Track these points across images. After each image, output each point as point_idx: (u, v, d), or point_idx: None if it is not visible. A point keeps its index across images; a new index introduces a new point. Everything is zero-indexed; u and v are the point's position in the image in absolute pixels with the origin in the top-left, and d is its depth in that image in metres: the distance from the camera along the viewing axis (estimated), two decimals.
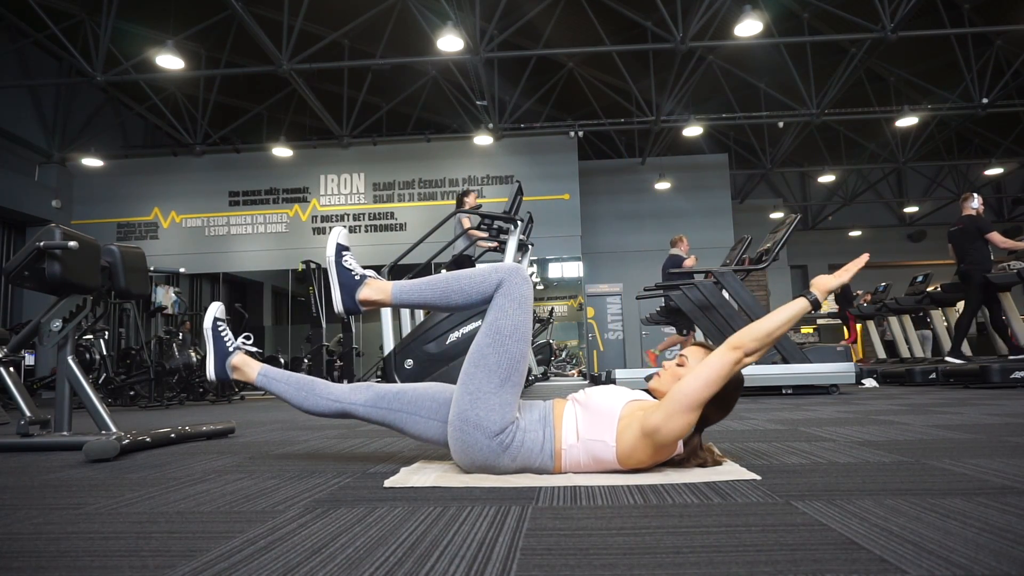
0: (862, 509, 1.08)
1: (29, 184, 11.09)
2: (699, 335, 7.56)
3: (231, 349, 1.82)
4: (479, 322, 1.55)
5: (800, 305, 1.44)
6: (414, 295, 1.61)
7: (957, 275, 6.11)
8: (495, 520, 1.07)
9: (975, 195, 6.02)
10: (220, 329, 1.83)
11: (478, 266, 1.63)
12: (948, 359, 5.95)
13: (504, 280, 1.51)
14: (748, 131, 13.65)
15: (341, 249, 1.68)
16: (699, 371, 1.36)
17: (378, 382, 1.75)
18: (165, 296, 6.52)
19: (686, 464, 1.50)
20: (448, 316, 4.70)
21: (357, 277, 1.66)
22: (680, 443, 1.47)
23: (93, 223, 11.48)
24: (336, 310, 1.66)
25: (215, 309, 1.86)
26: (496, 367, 1.45)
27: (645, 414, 1.39)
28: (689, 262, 6.89)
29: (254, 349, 1.90)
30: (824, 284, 1.48)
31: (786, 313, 1.41)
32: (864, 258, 1.56)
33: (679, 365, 1.53)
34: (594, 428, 1.44)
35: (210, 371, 1.80)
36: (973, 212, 5.93)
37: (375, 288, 1.65)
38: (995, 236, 5.75)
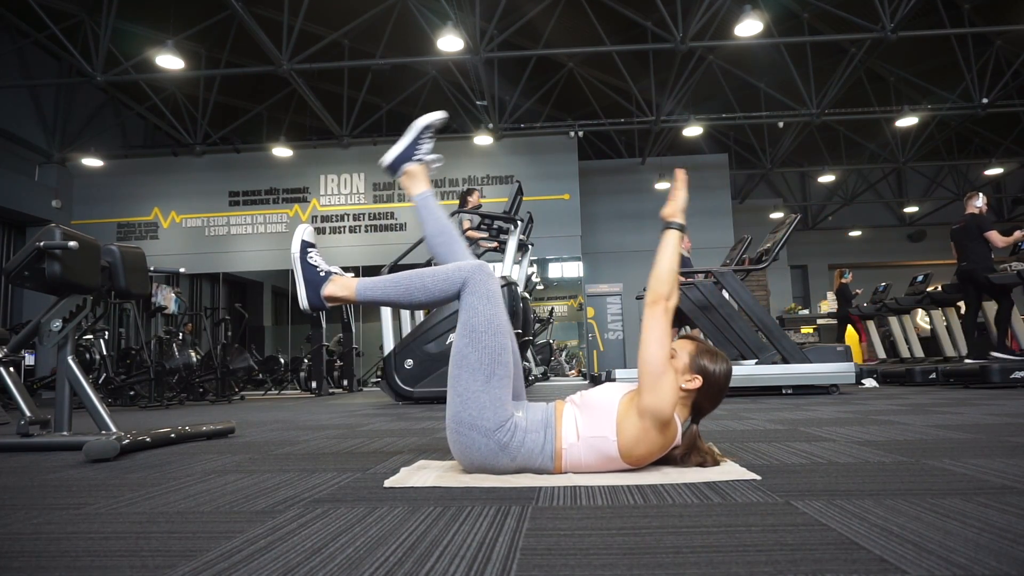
0: (862, 509, 1.08)
1: (29, 184, 11.09)
2: (698, 333, 7.56)
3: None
4: None
5: (674, 236, 1.55)
6: (378, 292, 1.61)
7: (957, 274, 6.11)
8: (495, 520, 1.07)
9: (980, 194, 6.02)
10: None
11: (444, 264, 1.62)
12: (994, 354, 5.77)
13: (468, 279, 1.52)
14: (748, 131, 13.65)
15: (306, 246, 1.68)
16: (644, 337, 1.45)
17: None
18: (166, 298, 6.53)
19: (686, 461, 1.51)
20: (447, 317, 4.71)
21: (322, 273, 1.66)
22: (679, 434, 1.48)
23: (93, 223, 11.48)
24: (302, 307, 1.66)
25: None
26: (478, 364, 1.46)
27: (636, 400, 1.43)
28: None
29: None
30: (675, 210, 1.59)
31: (669, 249, 1.52)
32: (680, 172, 1.69)
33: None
34: (593, 425, 1.45)
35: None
36: (976, 211, 5.93)
37: (340, 284, 1.65)
38: (993, 235, 5.75)
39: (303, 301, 1.65)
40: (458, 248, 1.78)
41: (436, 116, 1.89)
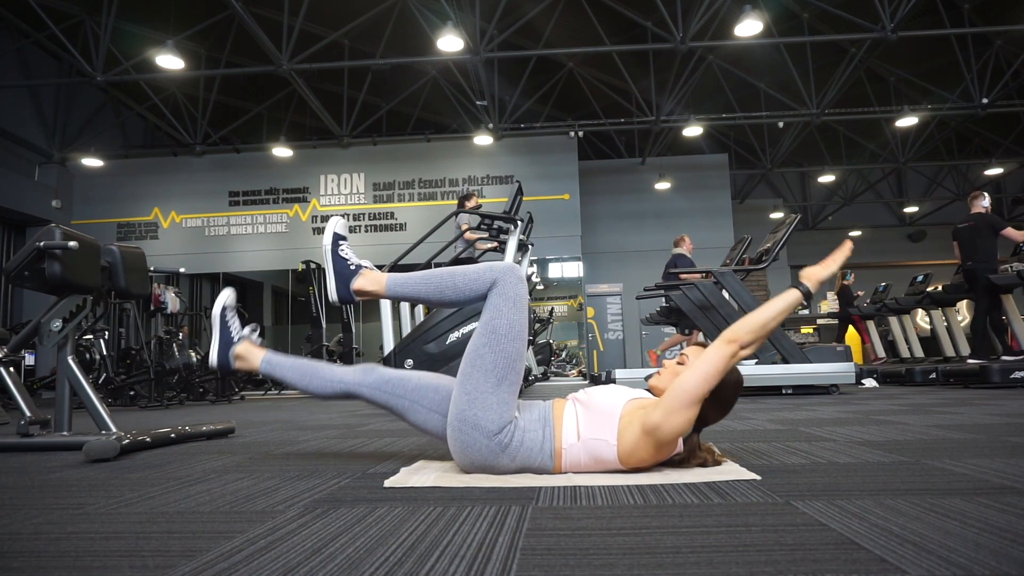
0: (862, 509, 1.08)
1: (29, 184, 11.09)
2: (700, 336, 7.55)
3: (236, 339, 1.80)
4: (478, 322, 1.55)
5: (793, 296, 1.45)
6: (408, 288, 1.62)
7: (960, 272, 6.09)
8: (495, 520, 1.07)
9: (985, 194, 6.04)
10: (227, 318, 1.81)
11: (476, 264, 1.61)
12: (971, 361, 5.81)
13: (499, 280, 1.51)
14: (748, 131, 13.64)
15: (338, 238, 1.69)
16: (697, 366, 1.38)
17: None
18: (173, 301, 6.54)
19: (686, 463, 1.50)
20: (448, 316, 4.70)
21: (353, 267, 1.67)
22: (680, 441, 1.47)
23: (93, 223, 11.48)
24: (330, 299, 1.67)
25: (225, 297, 1.83)
26: (492, 367, 1.45)
27: (646, 412, 1.40)
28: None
29: (259, 340, 1.87)
30: (815, 274, 1.50)
31: (779, 305, 1.42)
32: (848, 245, 1.59)
33: (680, 364, 1.54)
34: (595, 427, 1.44)
35: (213, 358, 1.78)
36: (983, 210, 5.93)
37: (370, 279, 1.65)
38: (1011, 231, 5.76)
39: (332, 294, 1.66)
40: (324, 372, 1.68)
41: (225, 296, 1.83)
